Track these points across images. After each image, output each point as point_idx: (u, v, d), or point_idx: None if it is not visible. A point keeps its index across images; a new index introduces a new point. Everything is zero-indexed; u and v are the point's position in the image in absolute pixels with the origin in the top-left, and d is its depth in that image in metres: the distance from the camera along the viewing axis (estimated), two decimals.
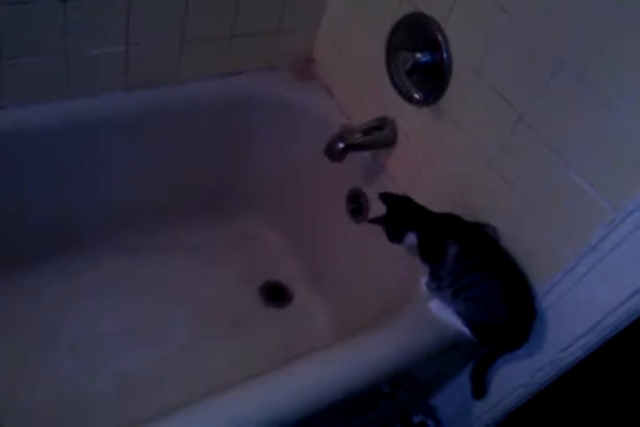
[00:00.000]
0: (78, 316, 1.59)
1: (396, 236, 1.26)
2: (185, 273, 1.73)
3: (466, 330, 1.20)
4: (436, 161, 1.35)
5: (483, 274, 1.15)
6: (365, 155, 1.50)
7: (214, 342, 1.62)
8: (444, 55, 1.23)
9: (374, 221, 1.30)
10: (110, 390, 1.48)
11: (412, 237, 1.24)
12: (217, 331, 1.64)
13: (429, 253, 1.22)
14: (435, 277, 1.22)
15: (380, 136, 1.43)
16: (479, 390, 1.34)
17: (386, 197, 1.30)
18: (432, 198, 1.31)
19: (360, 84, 1.51)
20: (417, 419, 1.56)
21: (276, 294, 1.77)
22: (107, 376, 1.50)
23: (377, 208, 1.36)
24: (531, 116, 1.11)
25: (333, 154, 1.40)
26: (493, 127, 1.19)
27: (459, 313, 1.20)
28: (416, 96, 1.30)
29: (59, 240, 1.61)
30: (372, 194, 1.49)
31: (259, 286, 1.77)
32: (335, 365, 1.11)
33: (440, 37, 1.22)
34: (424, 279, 1.25)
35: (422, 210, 1.27)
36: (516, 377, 1.29)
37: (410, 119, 1.38)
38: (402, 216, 1.26)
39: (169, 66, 1.45)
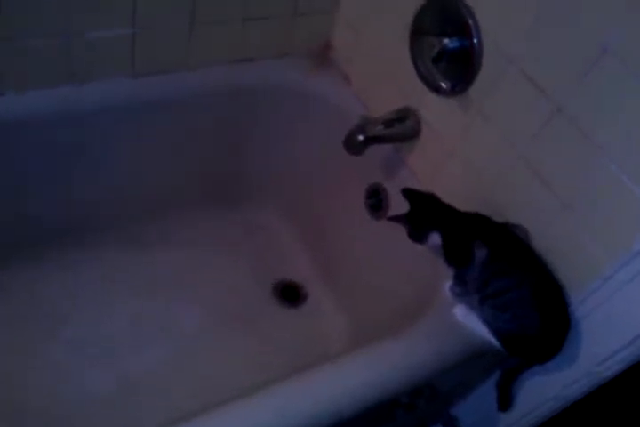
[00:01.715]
0: (78, 312, 1.53)
1: (418, 235, 1.18)
2: (193, 269, 1.68)
3: (493, 339, 1.12)
4: (462, 156, 1.27)
5: (512, 280, 1.06)
6: (386, 148, 1.42)
7: (224, 342, 1.56)
8: (475, 41, 1.13)
9: (395, 218, 1.21)
10: (111, 391, 1.43)
11: (435, 238, 1.15)
12: (227, 331, 1.58)
13: (455, 255, 1.13)
14: (460, 281, 1.14)
15: (402, 128, 1.35)
16: (505, 402, 1.26)
17: (409, 193, 1.21)
18: (456, 196, 1.23)
19: (381, 73, 1.43)
20: None
21: (289, 294, 1.70)
22: (108, 377, 1.45)
23: (397, 204, 1.30)
24: (569, 108, 1.01)
25: (352, 147, 1.32)
26: (527, 119, 1.10)
27: (485, 321, 1.11)
28: (442, 85, 1.21)
29: (59, 231, 1.56)
30: (392, 189, 1.43)
31: (272, 284, 1.71)
32: (352, 375, 1.06)
33: (471, 21, 1.13)
34: (448, 283, 1.18)
35: (448, 208, 1.18)
36: (547, 389, 1.20)
37: (435, 110, 1.30)
38: (425, 214, 1.18)
39: (178, 51, 1.39)
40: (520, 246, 1.10)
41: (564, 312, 1.07)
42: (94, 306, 1.54)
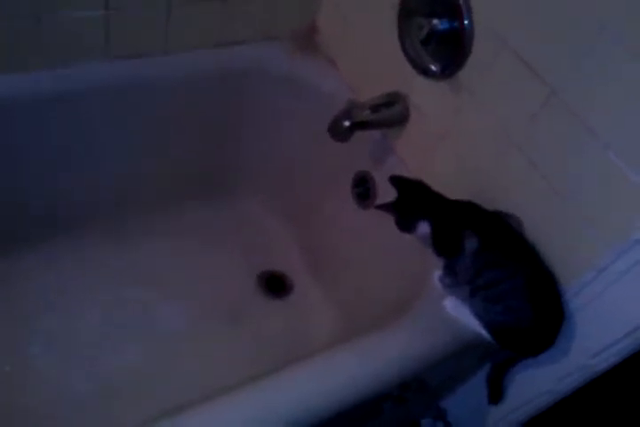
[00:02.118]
0: (58, 307, 1.47)
1: (406, 224, 1.14)
2: (177, 261, 1.63)
3: (484, 332, 1.08)
4: (453, 142, 1.22)
5: (505, 271, 1.03)
6: (374, 134, 1.38)
7: (208, 335, 1.52)
8: (466, 22, 1.08)
9: (382, 207, 1.17)
10: (91, 389, 1.38)
11: (424, 227, 1.11)
12: (211, 324, 1.54)
13: (444, 245, 1.09)
14: (450, 271, 1.10)
15: (390, 113, 1.31)
16: (495, 395, 1.23)
17: (396, 181, 1.17)
18: (446, 184, 1.18)
19: (368, 56, 1.38)
20: (426, 423, 1.45)
21: (274, 285, 1.66)
22: (87, 375, 1.40)
23: (385, 193, 1.26)
24: (564, 91, 0.97)
25: (338, 133, 1.28)
26: (520, 104, 1.05)
27: (476, 314, 1.07)
28: (432, 68, 1.16)
29: (38, 223, 1.51)
30: (379, 177, 1.39)
31: (256, 275, 1.66)
32: (340, 369, 1.02)
33: (461, 1, 1.08)
34: (437, 273, 1.14)
35: (437, 196, 1.14)
36: (540, 383, 1.17)
37: (424, 94, 1.26)
38: (414, 203, 1.13)
39: (155, 34, 1.33)
40: (513, 236, 1.06)
41: (558, 304, 1.04)
42: (75, 300, 1.50)
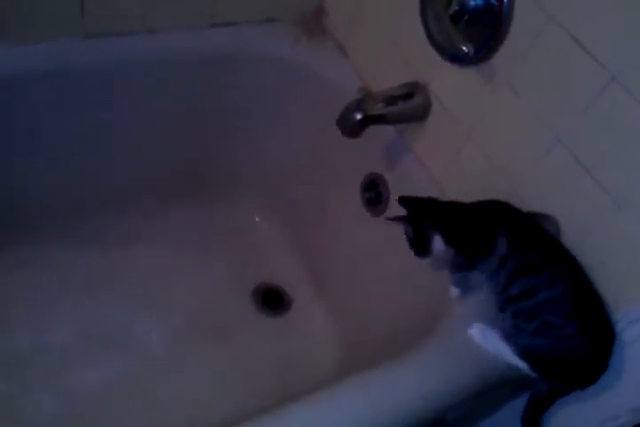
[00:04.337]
0: (22, 319, 1.37)
1: (421, 244, 0.99)
2: (161, 270, 1.53)
3: (520, 363, 0.93)
4: (482, 140, 1.09)
5: (540, 278, 0.88)
6: (388, 130, 1.26)
7: (193, 356, 1.40)
8: None
9: (395, 219, 1.03)
10: (57, 413, 1.26)
11: (439, 242, 0.97)
12: (197, 342, 1.43)
13: (468, 243, 0.96)
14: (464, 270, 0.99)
15: (408, 106, 1.18)
16: None
17: (406, 201, 1.03)
18: (472, 190, 1.07)
19: (384, 42, 1.26)
20: None
21: (271, 300, 1.55)
22: (54, 396, 1.28)
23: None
24: (628, 77, 0.81)
25: (348, 127, 1.15)
26: (570, 93, 0.90)
27: (508, 338, 0.93)
28: (464, 49, 1.01)
29: (10, 224, 1.40)
30: (393, 181, 1.29)
31: (252, 288, 1.56)
32: (342, 413, 0.89)
33: None
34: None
35: (451, 204, 1.02)
36: (582, 425, 1.02)
37: (449, 84, 1.12)
38: (425, 217, 1.00)
39: (138, 10, 1.22)
40: (547, 239, 0.94)
41: (605, 319, 0.89)
42: (41, 312, 1.40)
